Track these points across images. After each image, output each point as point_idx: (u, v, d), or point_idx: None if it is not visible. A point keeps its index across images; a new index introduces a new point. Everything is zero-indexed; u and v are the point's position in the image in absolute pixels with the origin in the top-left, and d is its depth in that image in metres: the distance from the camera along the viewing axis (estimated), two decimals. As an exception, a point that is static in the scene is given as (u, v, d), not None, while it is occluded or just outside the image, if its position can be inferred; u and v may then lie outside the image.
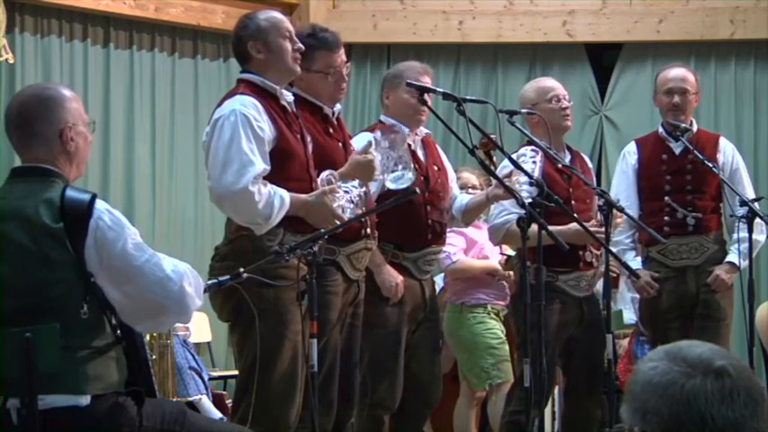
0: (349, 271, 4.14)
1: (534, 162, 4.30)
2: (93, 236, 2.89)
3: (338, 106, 4.30)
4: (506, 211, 4.70)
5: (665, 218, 5.06)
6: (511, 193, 4.01)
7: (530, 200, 4.08)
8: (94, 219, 2.90)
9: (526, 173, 4.12)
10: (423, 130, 4.72)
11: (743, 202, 4.72)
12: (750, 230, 4.70)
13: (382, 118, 4.69)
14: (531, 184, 4.18)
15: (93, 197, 2.94)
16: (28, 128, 3.03)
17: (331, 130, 4.22)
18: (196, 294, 3.02)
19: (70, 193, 2.94)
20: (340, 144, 4.23)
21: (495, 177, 4.26)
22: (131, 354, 3.03)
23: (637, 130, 6.01)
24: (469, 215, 4.82)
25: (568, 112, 4.86)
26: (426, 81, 4.51)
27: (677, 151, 5.10)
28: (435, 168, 4.67)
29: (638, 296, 5.48)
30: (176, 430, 3.02)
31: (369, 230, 4.19)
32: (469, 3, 7.83)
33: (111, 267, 2.91)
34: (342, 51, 4.27)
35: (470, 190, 5.40)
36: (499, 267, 5.63)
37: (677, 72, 5.16)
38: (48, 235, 2.89)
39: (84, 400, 2.90)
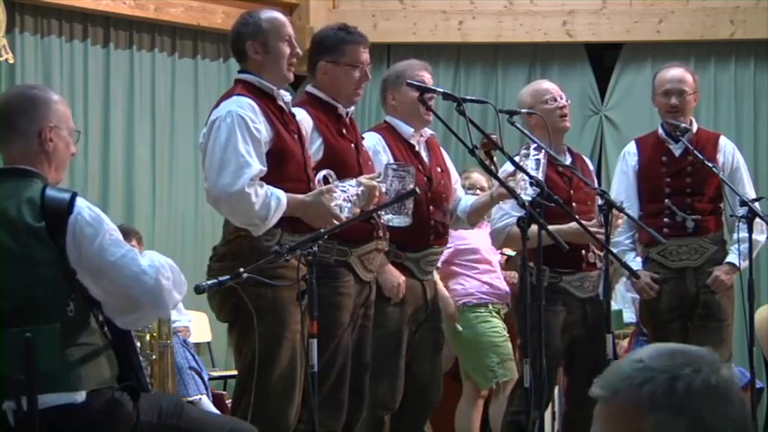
0: (361, 272, 4.13)
1: (538, 160, 4.27)
2: (71, 231, 2.90)
3: (351, 107, 4.30)
4: (507, 215, 4.69)
5: (665, 219, 5.03)
6: (511, 193, 4.00)
7: (531, 195, 4.07)
8: (74, 215, 2.91)
9: (526, 173, 4.10)
10: (427, 132, 4.71)
11: (743, 202, 4.70)
12: (750, 230, 4.68)
13: (387, 119, 4.68)
14: (531, 184, 4.17)
15: (74, 195, 2.95)
16: (9, 123, 3.03)
17: (344, 131, 4.21)
18: (175, 288, 3.01)
19: (50, 192, 2.95)
20: (352, 145, 4.22)
21: (496, 178, 4.24)
22: (121, 350, 3.03)
23: (637, 130, 5.99)
24: (475, 216, 4.79)
25: (566, 111, 4.83)
26: (426, 77, 4.53)
27: (677, 153, 5.07)
28: (439, 170, 4.66)
29: (638, 296, 5.47)
30: (173, 424, 3.02)
31: (380, 232, 4.19)
32: (469, 3, 7.83)
33: (88, 262, 2.92)
34: (367, 50, 4.28)
35: (479, 191, 5.38)
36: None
37: (674, 73, 5.12)
38: (30, 234, 2.89)
39: (80, 396, 2.90)
